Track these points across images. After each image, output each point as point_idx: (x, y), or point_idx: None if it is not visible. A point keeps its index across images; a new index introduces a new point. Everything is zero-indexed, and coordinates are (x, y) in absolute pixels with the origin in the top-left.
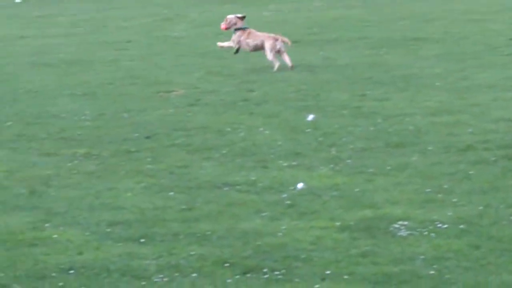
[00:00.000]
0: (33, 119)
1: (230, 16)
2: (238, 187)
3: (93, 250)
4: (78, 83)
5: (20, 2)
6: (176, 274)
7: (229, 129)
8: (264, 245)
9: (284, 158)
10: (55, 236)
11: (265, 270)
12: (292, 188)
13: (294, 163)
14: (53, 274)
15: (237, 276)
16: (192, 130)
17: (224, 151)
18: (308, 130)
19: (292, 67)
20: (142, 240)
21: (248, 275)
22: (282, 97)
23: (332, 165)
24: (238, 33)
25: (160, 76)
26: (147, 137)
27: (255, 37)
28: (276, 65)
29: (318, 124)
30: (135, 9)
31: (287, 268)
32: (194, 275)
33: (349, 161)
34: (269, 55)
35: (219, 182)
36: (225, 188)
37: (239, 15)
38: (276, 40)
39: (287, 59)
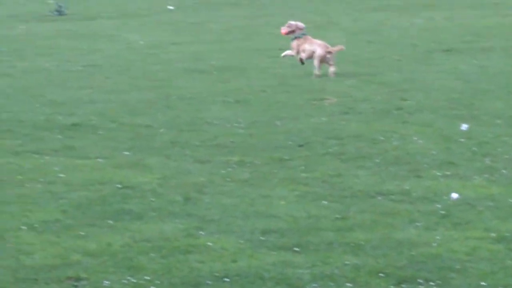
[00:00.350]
0: (186, 126)
1: (292, 22)
2: (391, 196)
3: (247, 258)
4: (230, 90)
5: (173, 9)
6: (331, 284)
7: (382, 137)
8: (419, 255)
9: (437, 168)
10: (209, 243)
11: (420, 280)
12: (446, 198)
13: (447, 172)
14: (208, 282)
15: (392, 287)
16: (345, 138)
17: (377, 160)
18: (462, 139)
19: (333, 75)
20: (296, 249)
21: (403, 285)
22: (435, 106)
23: (486, 175)
24: (296, 40)
25: (312, 84)
26: (300, 146)
27: (311, 44)
28: (318, 73)
29: (472, 134)
30: (288, 16)
31: (442, 279)
32: (348, 285)
33: (504, 171)
34: (316, 62)
35: (372, 191)
36: (379, 198)
37: (300, 24)
38: (328, 52)
39: (332, 69)
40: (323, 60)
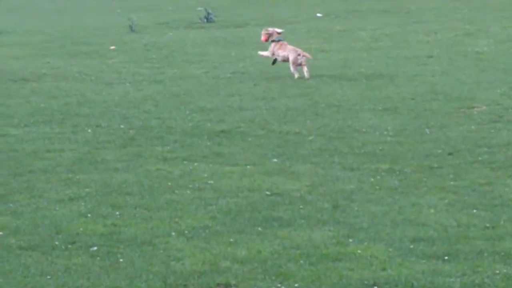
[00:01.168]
0: (335, 133)
1: (270, 29)
2: None
3: (397, 266)
4: (379, 98)
5: (322, 16)
6: None
7: None
8: None
9: None
10: (358, 251)
11: None
12: None
13: None
14: None
15: None
16: (495, 147)
17: None
18: None
19: (309, 78)
20: (445, 258)
21: None
22: None
23: None
24: (273, 44)
25: (461, 92)
26: (450, 154)
27: (285, 49)
28: (296, 75)
29: None
30: (436, 24)
31: None
32: None
33: None
34: (291, 67)
35: None
36: None
37: (278, 30)
38: (299, 54)
39: (305, 71)
40: (295, 63)
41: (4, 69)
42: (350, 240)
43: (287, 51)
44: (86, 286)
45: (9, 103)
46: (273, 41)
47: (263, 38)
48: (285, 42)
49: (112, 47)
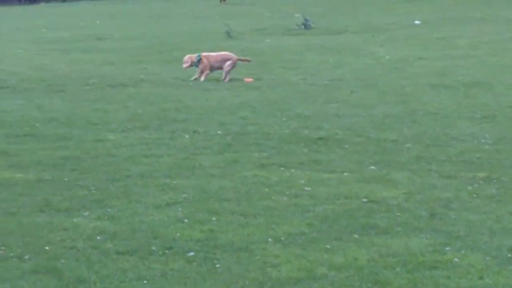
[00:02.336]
0: (432, 141)
1: (186, 57)
2: None
3: (494, 275)
4: (477, 106)
5: (420, 24)
6: None
7: None
8: None
9: None
10: (455, 259)
11: None
12: None
13: None
14: None
15: None
16: None
17: None
18: None
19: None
20: None
21: None
22: None
23: None
24: (201, 63)
25: None
26: None
27: (215, 57)
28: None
29: None
30: None
31: None
32: None
33: None
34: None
35: None
36: None
37: (193, 56)
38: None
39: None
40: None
41: (103, 75)
42: (447, 248)
43: (219, 57)
44: None
45: (107, 108)
46: (198, 62)
47: (185, 66)
48: (205, 53)
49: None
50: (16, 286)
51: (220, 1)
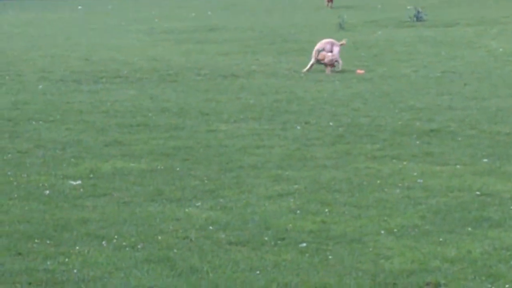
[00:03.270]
0: None
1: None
2: None
3: None
4: None
5: None
6: None
7: None
8: None
9: None
10: None
11: None
12: None
13: None
14: None
15: None
16: None
17: None
18: None
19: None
20: None
21: None
22: None
23: None
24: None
25: None
26: None
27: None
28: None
29: None
30: None
31: None
32: None
33: None
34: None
35: None
36: None
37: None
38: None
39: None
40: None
41: (215, 65)
42: None
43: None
44: (295, 282)
45: (219, 98)
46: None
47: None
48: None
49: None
50: (130, 275)
51: (327, 4)
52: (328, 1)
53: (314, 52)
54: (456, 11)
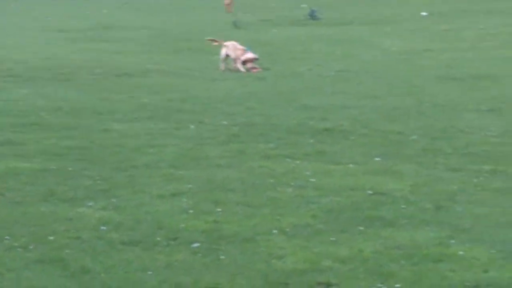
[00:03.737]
0: (438, 133)
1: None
2: None
3: (499, 268)
4: (484, 98)
5: (426, 16)
6: None
7: None
8: None
9: None
10: (460, 252)
11: None
12: None
13: None
14: None
15: None
16: None
17: None
18: None
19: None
20: None
21: None
22: None
23: None
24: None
25: None
26: None
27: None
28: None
29: None
30: None
31: None
32: None
33: None
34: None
35: None
36: None
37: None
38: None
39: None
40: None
41: (109, 64)
42: (452, 241)
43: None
44: (187, 282)
45: (113, 98)
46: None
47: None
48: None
49: (216, 43)
50: (22, 275)
51: (228, 8)
52: (227, 6)
53: (237, 62)
54: (351, 10)
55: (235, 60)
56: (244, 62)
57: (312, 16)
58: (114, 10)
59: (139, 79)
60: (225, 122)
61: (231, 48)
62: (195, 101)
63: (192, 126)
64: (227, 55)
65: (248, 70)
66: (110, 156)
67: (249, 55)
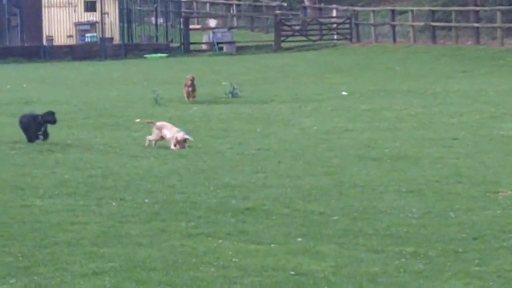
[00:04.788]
0: (359, 214)
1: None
2: None
3: None
4: (404, 179)
5: (347, 95)
6: None
7: None
8: None
9: None
10: None
11: None
12: None
13: None
14: None
15: None
16: None
17: None
18: None
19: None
20: None
21: None
22: None
23: None
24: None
25: (486, 176)
26: (475, 238)
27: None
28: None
29: None
30: (462, 106)
31: None
32: None
33: None
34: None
35: None
36: None
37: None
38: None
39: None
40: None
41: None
42: None
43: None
44: None
45: (34, 173)
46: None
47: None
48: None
49: (137, 120)
50: None
51: (188, 99)
52: (188, 96)
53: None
54: (272, 88)
55: (170, 140)
56: (177, 143)
57: (233, 93)
58: (34, 84)
59: (60, 154)
60: (146, 200)
61: (168, 128)
62: (116, 178)
63: (113, 203)
64: (162, 137)
65: (178, 149)
66: (31, 232)
67: (185, 135)
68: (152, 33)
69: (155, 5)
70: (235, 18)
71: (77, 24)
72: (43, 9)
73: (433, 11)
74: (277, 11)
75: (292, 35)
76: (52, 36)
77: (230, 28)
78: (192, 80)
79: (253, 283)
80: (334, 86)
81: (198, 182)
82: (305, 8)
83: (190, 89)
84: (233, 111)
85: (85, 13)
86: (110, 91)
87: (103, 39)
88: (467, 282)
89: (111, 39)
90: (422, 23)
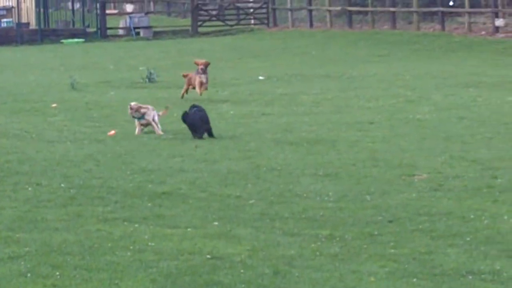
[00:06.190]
0: (276, 197)
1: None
2: (482, 276)
3: None
4: (320, 163)
5: (264, 79)
6: None
7: (472, 216)
8: None
9: None
10: None
11: None
12: None
13: None
14: None
15: None
16: (436, 215)
17: (468, 238)
18: None
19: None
20: None
21: None
22: None
23: None
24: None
25: (403, 159)
26: (390, 221)
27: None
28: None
29: None
30: (378, 90)
31: None
32: None
33: None
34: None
35: (463, 270)
36: (469, 277)
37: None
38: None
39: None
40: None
41: None
42: None
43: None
44: None
45: None
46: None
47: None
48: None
49: (54, 105)
50: None
51: (199, 90)
52: (200, 86)
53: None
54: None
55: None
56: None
57: (150, 78)
58: None
59: None
60: (62, 185)
61: (150, 109)
62: (32, 163)
63: (29, 188)
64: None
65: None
66: None
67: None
68: (68, 18)
69: None
70: (151, 3)
71: None
72: None
73: None
74: None
75: (209, 20)
76: None
77: (147, 13)
78: (206, 66)
79: (169, 267)
80: (251, 70)
81: (114, 166)
82: None
83: (202, 78)
84: (150, 95)
85: None
86: (26, 76)
87: (19, 24)
88: (383, 265)
89: (28, 24)
90: (338, 8)
